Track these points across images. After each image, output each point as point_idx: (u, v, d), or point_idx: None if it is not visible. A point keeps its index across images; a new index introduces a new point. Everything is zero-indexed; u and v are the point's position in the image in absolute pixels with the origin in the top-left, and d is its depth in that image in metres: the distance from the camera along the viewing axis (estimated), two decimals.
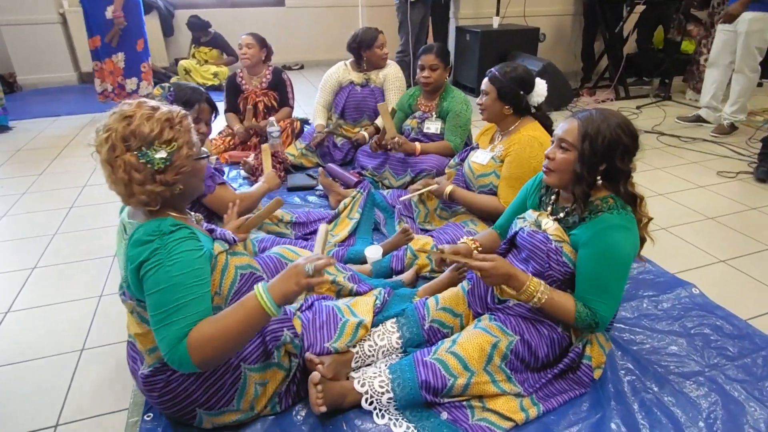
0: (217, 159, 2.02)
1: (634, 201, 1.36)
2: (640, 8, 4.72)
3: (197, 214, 1.28)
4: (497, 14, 4.70)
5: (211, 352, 1.04)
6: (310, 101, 3.25)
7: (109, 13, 3.73)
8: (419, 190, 2.19)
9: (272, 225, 2.19)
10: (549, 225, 1.41)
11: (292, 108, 3.31)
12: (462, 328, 1.56)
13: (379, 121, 2.99)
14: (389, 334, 1.53)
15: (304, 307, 1.55)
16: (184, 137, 1.12)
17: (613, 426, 1.34)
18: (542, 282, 1.37)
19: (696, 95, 4.43)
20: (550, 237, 1.39)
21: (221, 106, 3.38)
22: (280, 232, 2.19)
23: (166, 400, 1.27)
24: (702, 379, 1.50)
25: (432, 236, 2.03)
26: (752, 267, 2.10)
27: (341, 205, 2.36)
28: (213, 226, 1.28)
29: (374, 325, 1.56)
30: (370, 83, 3.04)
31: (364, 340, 1.52)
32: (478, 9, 4.98)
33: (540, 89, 1.96)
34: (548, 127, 2.00)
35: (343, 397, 1.37)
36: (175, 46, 5.96)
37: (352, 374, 1.43)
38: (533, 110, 2.01)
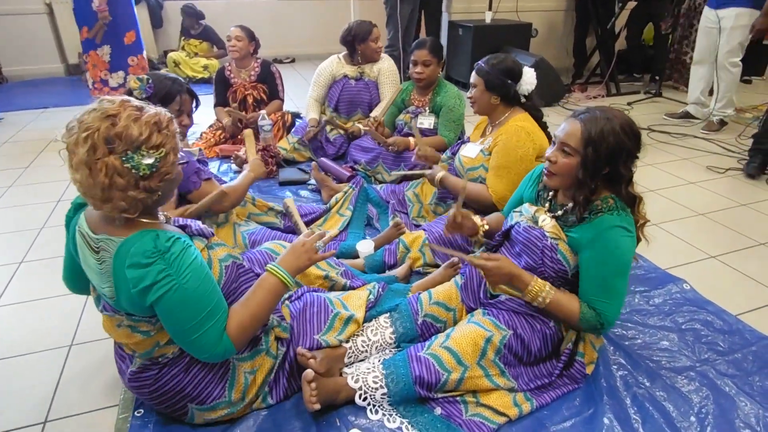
0: (201, 151, 1.93)
1: (633, 202, 1.35)
2: (631, 4, 4.74)
3: (166, 213, 1.23)
4: (490, 9, 4.69)
5: (250, 333, 1.20)
6: (301, 95, 3.22)
7: (95, 3, 3.66)
8: (415, 171, 2.26)
9: (262, 215, 2.17)
10: (546, 222, 1.41)
11: (282, 101, 3.28)
12: (455, 322, 1.55)
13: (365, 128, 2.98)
14: (382, 329, 1.53)
15: (294, 298, 1.53)
16: (171, 143, 1.06)
17: (605, 421, 1.35)
18: (547, 282, 1.36)
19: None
20: (547, 234, 1.38)
21: (211, 99, 3.36)
22: (270, 222, 2.16)
23: (156, 396, 1.25)
24: (693, 374, 1.52)
25: (424, 230, 2.02)
26: (742, 263, 2.12)
27: (333, 200, 2.35)
28: (186, 222, 1.24)
29: (367, 320, 1.55)
30: (364, 77, 3.02)
31: (357, 335, 1.51)
32: (470, 3, 4.96)
33: (528, 78, 1.95)
34: (539, 118, 2.00)
35: (337, 393, 1.36)
36: (165, 38, 5.89)
37: (345, 370, 1.42)
38: (523, 100, 2.00)
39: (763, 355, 1.60)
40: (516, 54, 4.32)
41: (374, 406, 1.37)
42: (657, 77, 4.84)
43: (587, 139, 1.27)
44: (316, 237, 1.32)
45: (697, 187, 2.86)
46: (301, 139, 3.02)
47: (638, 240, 1.39)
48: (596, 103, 4.41)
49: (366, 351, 1.49)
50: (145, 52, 4.01)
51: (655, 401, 1.42)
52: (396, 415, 1.35)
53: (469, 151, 2.08)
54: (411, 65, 2.56)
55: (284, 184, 2.80)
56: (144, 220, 1.09)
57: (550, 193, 1.49)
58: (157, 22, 5.75)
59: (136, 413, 1.38)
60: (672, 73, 4.91)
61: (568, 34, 5.33)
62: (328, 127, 3.02)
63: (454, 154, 2.25)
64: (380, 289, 1.63)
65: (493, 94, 1.96)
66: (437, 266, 1.88)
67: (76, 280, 1.26)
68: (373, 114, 2.89)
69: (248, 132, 2.10)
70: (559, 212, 1.42)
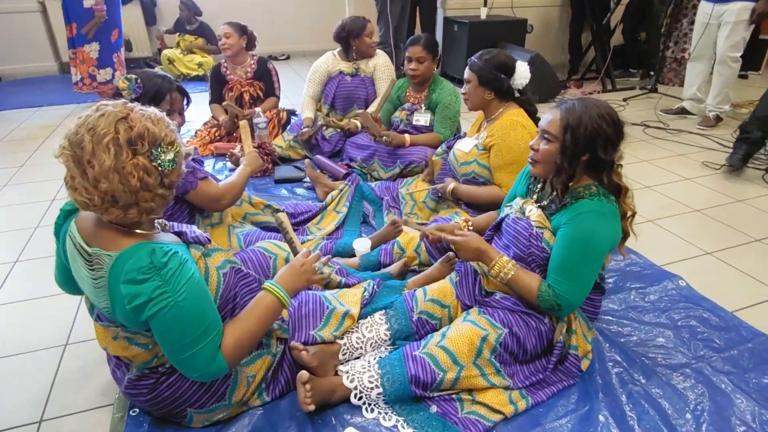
0: (195, 149, 1.89)
1: (618, 192, 1.36)
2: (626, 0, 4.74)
3: (162, 220, 1.21)
4: (485, 5, 4.67)
5: (244, 352, 1.17)
6: (296, 92, 3.21)
7: (87, 1, 3.64)
8: (423, 189, 2.27)
9: (258, 214, 2.15)
10: (532, 212, 1.42)
11: (278, 98, 3.26)
12: (450, 319, 1.55)
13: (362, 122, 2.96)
14: (377, 326, 1.52)
15: None
16: (178, 138, 1.07)
17: (601, 418, 1.35)
18: (511, 260, 1.40)
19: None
20: (533, 223, 1.39)
21: (206, 96, 3.34)
22: (267, 222, 2.14)
23: (154, 404, 1.24)
24: (689, 371, 1.52)
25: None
26: (738, 259, 2.12)
27: (329, 198, 2.34)
28: (182, 229, 1.21)
29: (362, 316, 1.55)
30: (360, 73, 3.01)
31: (352, 331, 1.51)
32: None
33: (522, 72, 1.95)
34: (533, 113, 2.00)
35: (332, 393, 1.35)
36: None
37: (341, 368, 1.42)
38: (517, 95, 2.00)
39: (759, 351, 1.60)
40: (511, 50, 4.32)
41: (370, 404, 1.37)
42: (651, 72, 4.84)
43: (565, 125, 1.31)
44: (315, 258, 1.29)
45: (692, 183, 2.86)
46: (296, 137, 3.01)
47: (626, 233, 1.39)
48: (589, 97, 4.42)
49: (361, 348, 1.49)
50: (121, 51, 4.06)
51: (650, 398, 1.42)
52: (392, 413, 1.35)
53: (464, 146, 2.08)
54: (405, 62, 2.55)
55: (280, 182, 2.79)
56: (139, 231, 1.06)
57: (539, 186, 1.50)
58: (150, 19, 5.71)
59: (131, 413, 1.37)
60: (667, 72, 4.91)
61: (563, 29, 5.31)
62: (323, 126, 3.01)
63: (449, 148, 2.25)
64: (375, 286, 1.63)
65: (487, 89, 1.96)
66: (432, 264, 1.87)
67: (69, 283, 1.23)
68: (369, 110, 2.88)
69: (243, 123, 2.04)
70: (545, 202, 1.43)
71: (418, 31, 4.82)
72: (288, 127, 3.15)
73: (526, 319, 1.43)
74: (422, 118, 2.62)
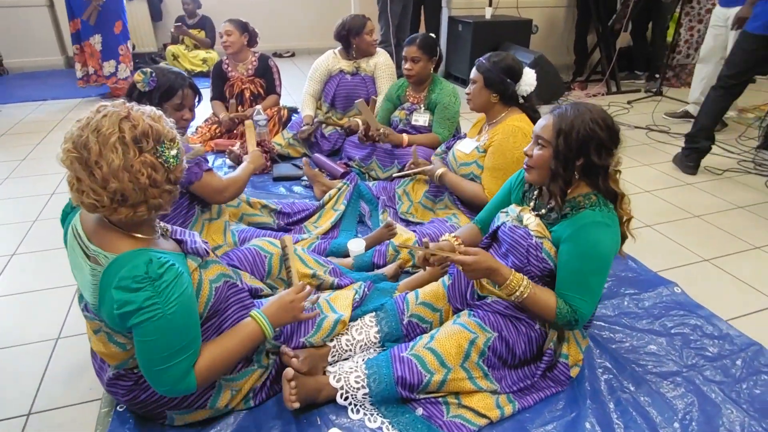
0: (201, 146, 1.93)
1: (614, 198, 1.34)
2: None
3: (164, 224, 1.21)
4: (490, 5, 4.64)
5: (215, 375, 1.18)
6: (300, 89, 3.20)
7: None
8: (413, 169, 2.23)
9: (255, 214, 2.16)
10: (530, 221, 1.40)
11: (279, 95, 3.26)
12: (441, 323, 1.55)
13: (362, 117, 2.95)
14: (367, 329, 1.52)
15: None
16: (177, 135, 1.08)
17: (587, 425, 1.34)
18: (525, 277, 1.36)
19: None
20: (531, 233, 1.37)
21: (207, 93, 3.34)
22: (263, 222, 2.15)
23: (134, 403, 1.25)
24: (679, 380, 1.50)
25: (415, 232, 2.01)
26: (736, 267, 2.09)
27: (326, 197, 2.34)
28: (183, 237, 1.21)
29: (353, 319, 1.54)
30: (360, 72, 3.00)
31: (342, 334, 1.50)
32: None
33: (528, 79, 1.94)
34: (536, 120, 1.98)
35: (318, 392, 1.35)
36: (164, 32, 5.86)
37: (329, 368, 1.42)
38: (521, 101, 1.98)
39: (752, 361, 1.58)
40: (516, 51, 4.29)
41: (355, 405, 1.36)
42: (657, 75, 4.79)
43: (558, 129, 1.30)
44: (305, 295, 1.29)
45: (693, 188, 2.83)
46: (295, 135, 3.01)
47: (624, 237, 1.38)
48: (595, 102, 4.39)
49: (350, 350, 1.49)
50: (129, 43, 4.01)
51: (639, 406, 1.40)
52: (377, 414, 1.35)
53: (464, 147, 2.08)
54: (403, 61, 2.55)
55: (278, 179, 2.79)
56: (138, 236, 1.06)
57: (535, 192, 1.48)
58: (156, 15, 5.73)
59: (118, 408, 1.37)
60: (672, 75, 4.87)
61: (569, 30, 5.27)
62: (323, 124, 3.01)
63: (449, 148, 2.25)
64: (366, 289, 1.63)
65: (492, 91, 1.96)
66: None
67: None
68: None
69: (249, 123, 2.10)
70: (543, 210, 1.41)
71: (422, 30, 4.81)
72: (288, 125, 3.15)
73: (517, 323, 1.42)
74: (421, 118, 2.61)
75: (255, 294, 1.51)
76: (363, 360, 1.41)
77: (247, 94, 3.15)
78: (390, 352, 1.40)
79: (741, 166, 3.09)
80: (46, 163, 3.07)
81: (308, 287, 1.31)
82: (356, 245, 1.99)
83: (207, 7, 5.38)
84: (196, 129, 3.24)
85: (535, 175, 1.39)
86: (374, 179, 2.67)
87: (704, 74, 3.75)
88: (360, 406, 1.37)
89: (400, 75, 2.77)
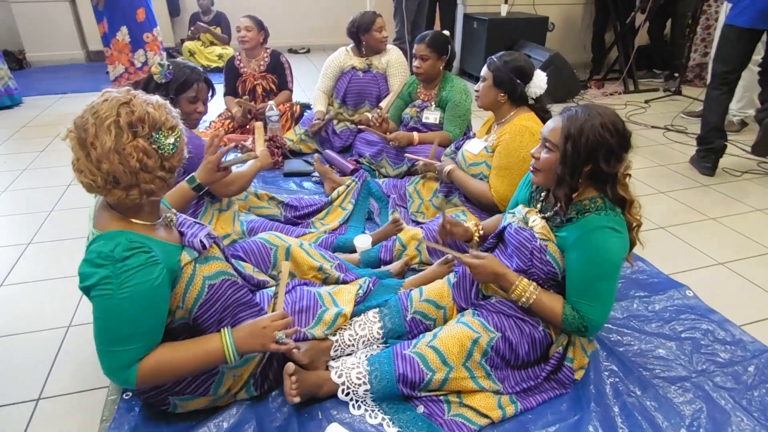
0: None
1: (623, 204, 1.31)
2: None
3: (169, 215, 1.21)
4: (505, 2, 4.59)
5: (158, 379, 1.14)
6: (314, 86, 3.21)
7: None
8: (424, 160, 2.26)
9: (263, 207, 2.18)
10: (536, 223, 1.38)
11: (291, 91, 3.28)
12: (445, 321, 1.54)
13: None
14: (370, 324, 1.52)
15: (285, 291, 1.53)
16: (179, 124, 1.10)
17: (590, 429, 1.32)
18: (532, 283, 1.35)
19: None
20: (536, 235, 1.36)
21: (221, 88, 3.37)
22: (271, 214, 2.17)
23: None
24: (688, 385, 1.47)
25: (422, 228, 2.00)
26: (752, 271, 2.04)
27: (335, 193, 2.34)
28: (184, 230, 1.21)
29: (356, 314, 1.55)
30: (372, 69, 2.99)
31: (345, 329, 1.50)
32: None
33: (539, 81, 1.91)
34: (546, 120, 1.96)
35: (319, 387, 1.36)
36: (182, 27, 5.93)
37: (331, 363, 1.42)
38: (531, 102, 1.96)
39: (765, 368, 1.54)
40: (531, 48, 4.24)
41: (357, 401, 1.37)
42: (676, 74, 4.70)
43: (566, 134, 1.26)
44: (280, 325, 1.20)
45: (710, 189, 2.77)
46: (307, 131, 3.02)
47: (633, 243, 1.35)
48: (612, 100, 4.32)
49: (353, 345, 1.49)
50: (156, 31, 3.98)
51: (644, 411, 1.38)
52: (378, 411, 1.35)
53: (473, 147, 2.06)
54: (413, 58, 2.54)
55: (289, 175, 2.81)
56: (135, 221, 1.08)
57: (542, 194, 1.46)
58: (174, 10, 5.79)
59: (124, 396, 1.40)
60: (692, 74, 4.77)
61: (586, 28, 5.19)
62: (334, 120, 3.01)
63: (458, 148, 2.23)
64: (371, 284, 1.62)
65: (500, 90, 1.93)
66: (432, 264, 1.86)
67: None
68: (381, 104, 2.89)
69: (258, 124, 2.16)
70: (549, 213, 1.39)
71: (437, 27, 4.78)
72: (301, 121, 3.16)
73: (521, 324, 1.41)
74: (432, 116, 2.60)
75: (259, 286, 1.52)
76: (365, 356, 1.41)
77: (259, 90, 3.17)
78: (392, 350, 1.40)
79: (761, 167, 3.01)
80: (64, 155, 3.12)
81: (289, 317, 1.24)
82: (362, 241, 1.99)
83: (220, 3, 5.42)
84: (210, 124, 3.27)
85: (541, 178, 1.37)
86: (384, 176, 2.67)
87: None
88: (361, 402, 1.37)
89: (413, 72, 2.76)
